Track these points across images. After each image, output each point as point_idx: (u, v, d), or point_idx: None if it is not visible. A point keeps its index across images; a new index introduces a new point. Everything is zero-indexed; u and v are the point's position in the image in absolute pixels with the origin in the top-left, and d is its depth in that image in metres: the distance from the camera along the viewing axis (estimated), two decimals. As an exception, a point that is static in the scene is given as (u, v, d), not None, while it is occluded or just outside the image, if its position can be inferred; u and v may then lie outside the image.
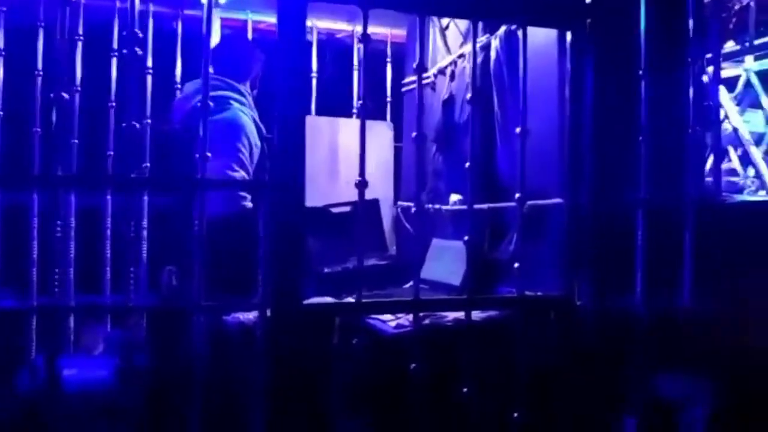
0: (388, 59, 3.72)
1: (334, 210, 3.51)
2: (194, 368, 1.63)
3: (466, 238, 2.04)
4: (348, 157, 3.64)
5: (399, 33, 3.67)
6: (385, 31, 3.69)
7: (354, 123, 3.67)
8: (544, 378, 2.02)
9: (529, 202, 2.28)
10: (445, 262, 2.76)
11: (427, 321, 2.21)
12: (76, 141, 2.79)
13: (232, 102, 2.48)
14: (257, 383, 1.66)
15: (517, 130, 2.00)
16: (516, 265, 2.01)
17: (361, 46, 2.04)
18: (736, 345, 2.15)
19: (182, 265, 2.16)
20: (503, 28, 2.52)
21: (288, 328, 1.70)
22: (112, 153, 3.07)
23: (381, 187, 3.68)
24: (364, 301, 1.86)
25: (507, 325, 2.11)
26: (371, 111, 3.81)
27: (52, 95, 2.12)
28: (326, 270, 3.34)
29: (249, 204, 2.35)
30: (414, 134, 1.95)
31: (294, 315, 1.71)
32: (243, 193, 2.34)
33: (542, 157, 2.26)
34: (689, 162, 2.12)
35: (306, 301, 1.83)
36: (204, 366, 1.64)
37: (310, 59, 3.54)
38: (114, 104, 3.01)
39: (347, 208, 3.48)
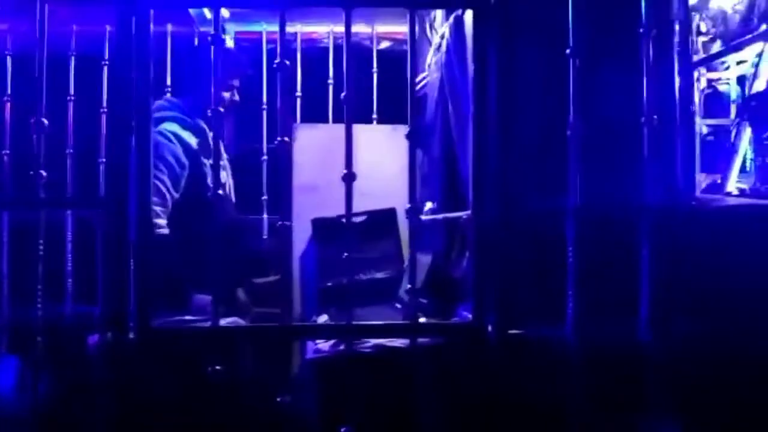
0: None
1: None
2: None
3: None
4: (367, 166, 3.46)
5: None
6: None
7: (374, 130, 3.49)
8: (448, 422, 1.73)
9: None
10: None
11: (342, 347, 2.01)
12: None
13: (162, 122, 2.40)
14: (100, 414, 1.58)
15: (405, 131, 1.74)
16: (407, 286, 1.75)
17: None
18: (714, 390, 1.69)
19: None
20: (454, 14, 2.23)
21: (128, 353, 1.60)
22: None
23: (403, 196, 3.47)
24: (223, 325, 1.70)
25: (426, 354, 1.84)
26: (393, 115, 3.62)
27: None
28: (328, 284, 3.21)
29: (163, 231, 2.26)
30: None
31: (138, 338, 1.60)
32: (155, 221, 2.25)
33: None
34: (646, 160, 1.71)
35: (167, 326, 1.72)
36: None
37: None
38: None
39: (363, 218, 3.31)
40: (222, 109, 2.57)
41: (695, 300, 1.66)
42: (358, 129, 3.53)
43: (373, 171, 3.40)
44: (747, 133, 2.97)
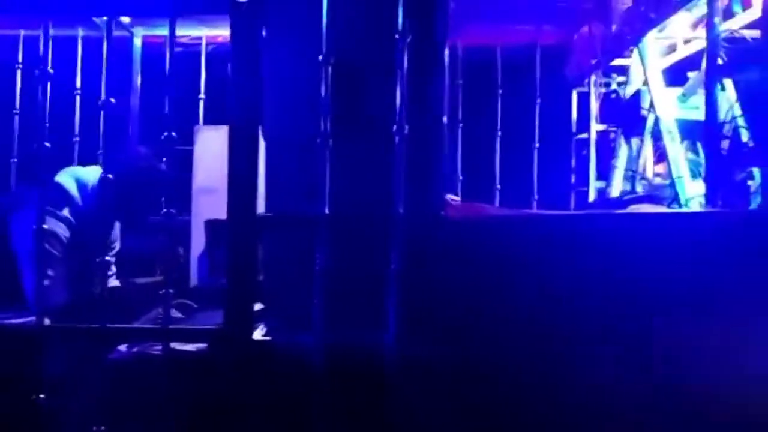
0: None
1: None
2: None
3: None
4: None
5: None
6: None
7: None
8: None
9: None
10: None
11: (135, 349, 2.03)
12: None
13: None
14: None
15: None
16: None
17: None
18: (457, 404, 1.65)
19: None
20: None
21: None
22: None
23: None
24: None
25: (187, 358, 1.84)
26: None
27: None
28: (197, 285, 3.26)
29: None
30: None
31: None
32: None
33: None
34: (396, 168, 1.68)
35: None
36: None
37: None
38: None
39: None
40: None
41: (438, 313, 1.63)
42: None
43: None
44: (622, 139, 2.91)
